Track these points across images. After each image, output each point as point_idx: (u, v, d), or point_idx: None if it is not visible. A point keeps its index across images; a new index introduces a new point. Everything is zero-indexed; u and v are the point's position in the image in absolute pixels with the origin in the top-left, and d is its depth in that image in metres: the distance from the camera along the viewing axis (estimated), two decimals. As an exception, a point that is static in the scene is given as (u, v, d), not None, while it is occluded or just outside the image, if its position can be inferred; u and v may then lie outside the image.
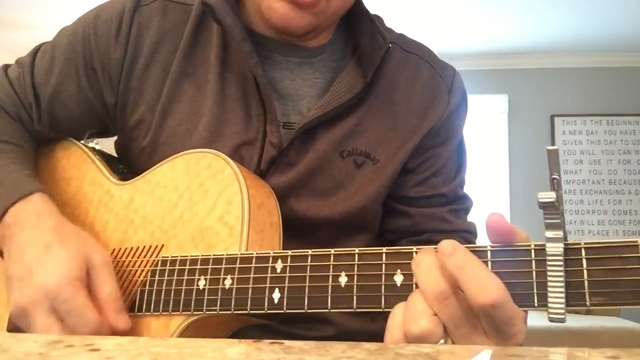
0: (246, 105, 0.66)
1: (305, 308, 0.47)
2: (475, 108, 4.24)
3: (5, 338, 0.34)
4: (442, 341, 0.40)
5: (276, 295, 0.48)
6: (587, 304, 0.39)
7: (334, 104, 0.64)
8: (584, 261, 0.39)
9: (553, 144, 4.24)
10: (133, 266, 0.59)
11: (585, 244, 0.40)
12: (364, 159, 0.66)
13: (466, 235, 0.72)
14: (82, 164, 0.70)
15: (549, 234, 0.40)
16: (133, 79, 0.68)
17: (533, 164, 4.19)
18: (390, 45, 0.67)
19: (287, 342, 0.32)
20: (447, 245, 0.41)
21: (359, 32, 0.68)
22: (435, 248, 0.42)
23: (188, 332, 0.53)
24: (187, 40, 0.68)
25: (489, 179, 4.10)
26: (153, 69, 0.68)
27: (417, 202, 0.70)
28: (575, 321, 3.08)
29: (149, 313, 0.55)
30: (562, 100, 4.28)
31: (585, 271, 0.39)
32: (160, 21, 0.69)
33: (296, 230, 0.64)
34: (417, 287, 0.42)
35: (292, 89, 0.67)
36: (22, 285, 0.52)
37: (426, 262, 0.41)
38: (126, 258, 0.60)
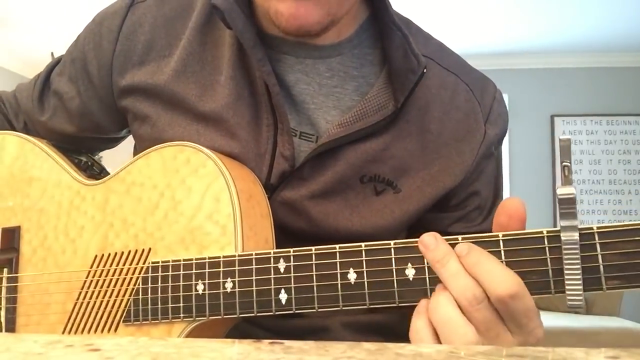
0: (257, 112, 0.61)
1: (316, 307, 0.46)
2: (475, 108, 4.24)
3: (5, 338, 0.34)
4: None
5: (283, 296, 0.47)
6: (604, 288, 0.40)
7: (359, 124, 0.58)
8: (598, 246, 0.40)
9: (553, 144, 4.24)
10: (120, 274, 0.55)
11: (598, 228, 0.40)
12: (385, 187, 0.61)
13: None
14: (42, 164, 0.65)
15: (564, 223, 0.41)
16: (126, 75, 0.65)
17: (533, 164, 4.18)
18: (424, 70, 0.59)
19: (287, 342, 0.32)
20: (462, 246, 0.43)
21: (390, 46, 0.60)
22: (447, 240, 0.44)
23: (191, 336, 0.52)
24: (192, 36, 0.63)
25: (489, 179, 4.09)
26: (149, 65, 0.64)
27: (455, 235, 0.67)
28: (575, 321, 3.08)
29: (147, 321, 0.53)
30: (562, 100, 4.28)
31: (599, 256, 0.40)
32: (153, 17, 0.65)
33: (299, 242, 0.60)
34: (430, 281, 0.44)
35: (307, 95, 0.62)
36: None
37: (452, 266, 0.42)
38: (111, 265, 0.56)
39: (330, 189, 0.60)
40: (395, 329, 0.47)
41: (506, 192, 4.29)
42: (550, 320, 3.07)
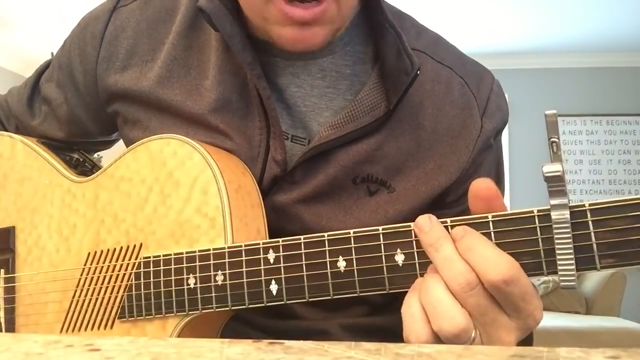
0: (248, 116, 0.60)
1: (307, 297, 0.46)
2: (475, 108, 4.27)
3: (5, 338, 0.34)
4: (472, 334, 0.40)
5: (274, 287, 0.47)
6: (598, 267, 0.38)
7: (351, 126, 0.57)
8: (590, 223, 0.39)
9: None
10: (114, 270, 0.56)
11: (590, 205, 0.39)
12: (378, 187, 0.60)
13: None
14: (32, 162, 0.64)
15: (554, 201, 0.39)
16: (110, 80, 0.64)
17: (533, 164, 4.18)
18: (418, 72, 0.56)
19: (287, 342, 0.32)
20: (458, 229, 0.42)
21: (383, 44, 0.58)
22: (442, 222, 0.43)
23: (185, 331, 0.52)
24: (176, 41, 0.62)
25: (489, 179, 4.10)
26: (132, 71, 0.63)
27: None
28: (575, 321, 3.08)
29: (141, 317, 0.53)
30: (562, 100, 4.28)
31: (592, 234, 0.39)
32: (137, 21, 0.64)
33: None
34: (420, 266, 0.43)
35: (298, 97, 0.60)
36: None
37: (445, 251, 0.41)
38: (104, 262, 0.56)
39: (323, 191, 0.59)
40: (395, 331, 0.46)
41: (507, 192, 4.29)
42: (550, 320, 3.07)
